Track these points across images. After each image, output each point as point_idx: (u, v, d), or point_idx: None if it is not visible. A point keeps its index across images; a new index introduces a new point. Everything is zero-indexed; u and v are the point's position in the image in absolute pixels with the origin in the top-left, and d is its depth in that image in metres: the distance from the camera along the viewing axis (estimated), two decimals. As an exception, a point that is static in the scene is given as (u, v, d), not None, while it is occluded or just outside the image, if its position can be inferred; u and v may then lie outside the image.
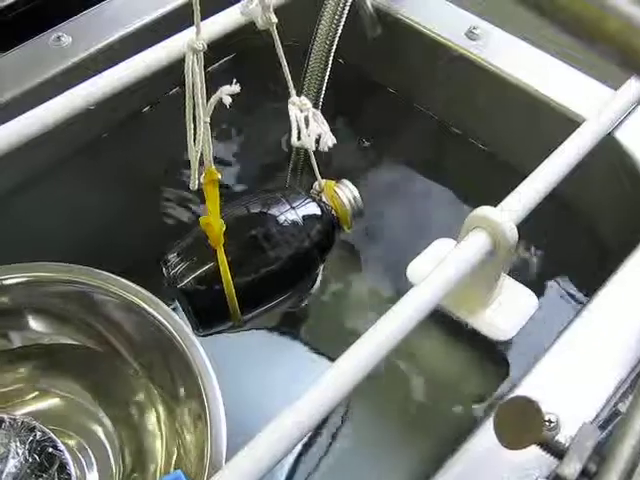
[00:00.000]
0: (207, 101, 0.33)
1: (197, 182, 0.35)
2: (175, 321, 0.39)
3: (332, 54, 0.48)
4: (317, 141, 0.39)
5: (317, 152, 0.40)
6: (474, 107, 0.54)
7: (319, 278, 0.46)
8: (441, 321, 0.44)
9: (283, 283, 0.43)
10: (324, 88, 0.49)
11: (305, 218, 0.42)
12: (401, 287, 0.47)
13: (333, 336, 0.47)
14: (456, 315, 0.44)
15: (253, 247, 0.41)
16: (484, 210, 0.38)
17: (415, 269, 0.46)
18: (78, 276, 0.40)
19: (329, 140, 0.39)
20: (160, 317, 0.39)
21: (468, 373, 0.45)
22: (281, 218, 0.41)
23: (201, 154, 0.34)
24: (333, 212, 0.44)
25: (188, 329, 0.39)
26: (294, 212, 0.42)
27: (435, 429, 0.43)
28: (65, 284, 0.40)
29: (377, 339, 0.32)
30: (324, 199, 0.44)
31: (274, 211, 0.42)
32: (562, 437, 0.27)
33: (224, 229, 0.38)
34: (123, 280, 0.40)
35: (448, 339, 0.46)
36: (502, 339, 0.43)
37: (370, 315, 0.48)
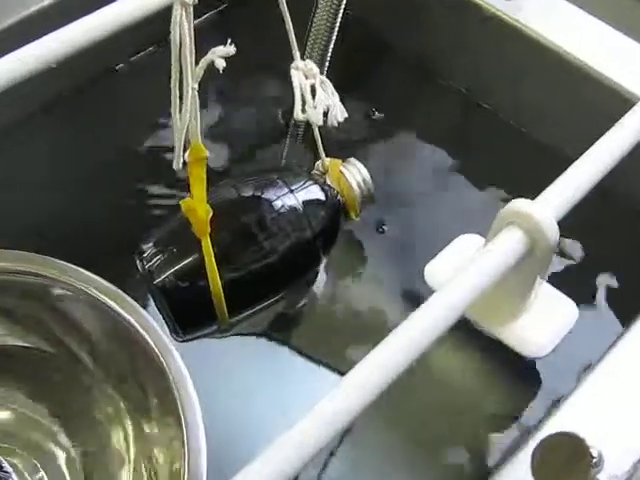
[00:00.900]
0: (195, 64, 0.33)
1: (181, 159, 0.35)
2: (148, 323, 0.39)
3: (342, 8, 0.48)
4: (324, 114, 0.38)
5: (321, 126, 0.40)
6: (506, 78, 0.54)
7: (320, 276, 0.46)
8: (462, 328, 0.42)
9: (278, 280, 0.43)
10: (331, 49, 0.48)
11: (306, 204, 0.42)
12: (417, 291, 0.48)
13: (333, 345, 0.46)
14: (482, 327, 0.44)
15: (244, 237, 0.41)
16: (519, 204, 0.37)
17: (434, 271, 0.46)
18: (31, 266, 0.39)
19: (339, 113, 0.39)
20: (131, 318, 0.39)
21: (492, 392, 0.45)
22: (277, 203, 0.41)
23: (187, 127, 0.34)
24: (339, 197, 0.44)
25: (164, 332, 0.39)
26: (293, 196, 0.42)
27: (449, 455, 0.42)
28: (15, 275, 0.39)
29: (388, 355, 0.31)
30: (328, 181, 0.45)
31: (269, 195, 0.42)
32: (605, 476, 0.27)
33: (210, 215, 0.38)
34: (86, 272, 0.40)
35: (470, 350, 0.46)
36: (535, 356, 0.43)
37: (378, 323, 0.48)
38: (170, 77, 0.33)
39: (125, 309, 0.39)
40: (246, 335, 0.46)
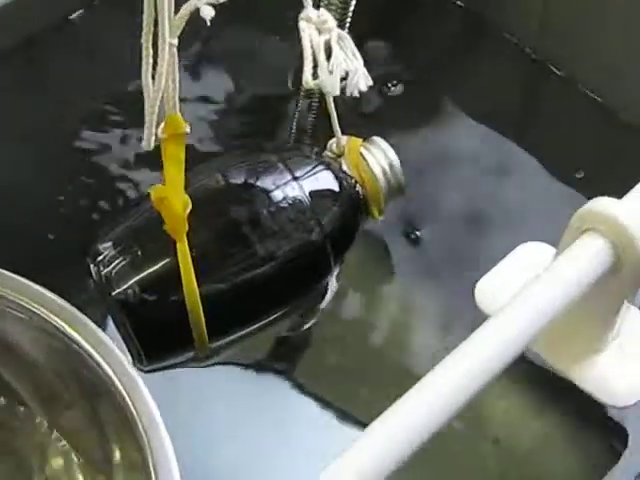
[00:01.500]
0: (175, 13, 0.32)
1: (154, 137, 0.35)
2: (107, 348, 0.38)
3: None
4: (342, 81, 0.38)
5: (337, 96, 0.40)
6: (587, 37, 0.53)
7: (330, 291, 0.46)
8: (525, 367, 0.44)
9: (276, 295, 0.43)
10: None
11: (314, 195, 0.42)
12: (463, 316, 0.47)
13: (345, 383, 0.46)
14: (551, 365, 0.44)
15: (232, 238, 0.41)
16: (601, 203, 0.37)
17: (488, 290, 0.46)
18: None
19: (362, 80, 0.38)
20: (83, 341, 0.38)
21: (564, 456, 0.44)
22: (277, 194, 0.42)
23: (161, 95, 0.34)
24: (357, 188, 0.44)
25: (127, 360, 0.38)
26: (297, 185, 0.42)
27: None
28: None
29: (422, 405, 0.31)
30: (344, 167, 0.45)
31: (267, 183, 0.42)
32: None
33: (189, 209, 0.38)
34: (25, 281, 0.39)
35: (535, 396, 0.45)
36: (620, 405, 0.43)
37: (407, 358, 0.47)
38: (141, 30, 0.32)
39: (76, 329, 0.38)
40: (232, 366, 0.46)
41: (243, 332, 0.43)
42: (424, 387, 0.32)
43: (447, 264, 0.50)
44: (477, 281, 0.46)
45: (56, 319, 0.38)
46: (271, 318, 0.43)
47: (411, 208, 0.51)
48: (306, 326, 0.48)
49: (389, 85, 0.57)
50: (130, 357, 0.40)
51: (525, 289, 0.35)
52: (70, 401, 0.40)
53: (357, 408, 0.44)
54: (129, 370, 0.37)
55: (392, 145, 0.45)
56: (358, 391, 0.45)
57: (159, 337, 0.41)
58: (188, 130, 0.35)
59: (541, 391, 0.45)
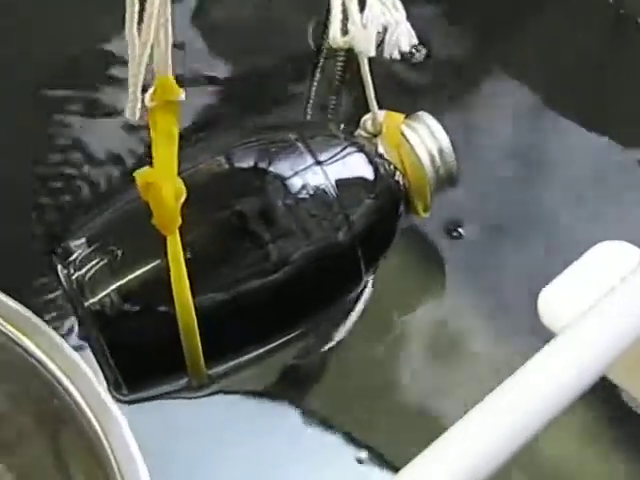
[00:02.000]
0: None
1: (139, 106, 0.35)
2: (77, 370, 0.38)
3: None
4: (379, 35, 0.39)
5: (373, 58, 0.40)
6: None
7: (361, 305, 0.46)
8: (601, 398, 0.44)
9: (292, 310, 0.43)
10: None
11: (342, 185, 0.42)
12: (521, 333, 0.47)
13: (371, 418, 0.46)
14: (633, 397, 0.44)
15: (238, 236, 0.42)
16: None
17: (554, 299, 0.44)
18: None
19: (404, 38, 0.39)
20: (48, 361, 0.38)
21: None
22: (295, 182, 0.42)
23: (149, 50, 0.34)
24: (398, 176, 0.45)
25: (102, 387, 0.38)
26: (321, 171, 0.42)
27: None
28: None
29: (467, 444, 0.31)
30: (381, 149, 0.45)
31: (282, 167, 0.42)
32: None
33: (183, 198, 0.38)
34: None
35: (611, 435, 0.46)
36: None
37: (451, 388, 0.47)
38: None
39: (40, 347, 0.38)
40: (233, 396, 0.45)
41: (248, 356, 0.43)
42: (467, 424, 0.32)
43: (499, 268, 0.50)
44: (539, 289, 0.44)
45: (17, 334, 0.38)
46: (284, 339, 0.43)
47: (455, 199, 0.50)
48: (325, 347, 0.47)
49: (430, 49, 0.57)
50: (106, 384, 0.40)
51: (601, 300, 0.34)
52: (27, 434, 0.40)
53: (380, 445, 0.44)
54: (104, 398, 0.37)
55: (442, 123, 0.45)
56: (385, 428, 0.45)
57: (143, 359, 0.41)
58: (183, 97, 0.35)
59: (618, 431, 0.46)
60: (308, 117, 0.53)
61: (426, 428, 0.42)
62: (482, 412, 0.33)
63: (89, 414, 0.37)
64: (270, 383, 0.46)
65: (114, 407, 0.37)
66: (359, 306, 0.46)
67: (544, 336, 0.37)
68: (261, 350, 0.43)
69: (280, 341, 0.43)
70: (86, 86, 0.54)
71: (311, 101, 0.53)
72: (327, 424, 0.45)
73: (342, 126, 0.46)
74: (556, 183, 0.53)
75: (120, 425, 0.36)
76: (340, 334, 0.47)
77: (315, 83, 0.53)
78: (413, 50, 0.55)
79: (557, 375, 0.33)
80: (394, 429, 0.45)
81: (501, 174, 0.53)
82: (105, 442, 0.36)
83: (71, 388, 0.37)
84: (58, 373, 0.37)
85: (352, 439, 0.45)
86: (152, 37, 0.33)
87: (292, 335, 0.44)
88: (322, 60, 0.53)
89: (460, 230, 0.51)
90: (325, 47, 0.52)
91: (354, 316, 0.46)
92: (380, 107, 0.44)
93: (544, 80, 0.56)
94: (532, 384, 0.33)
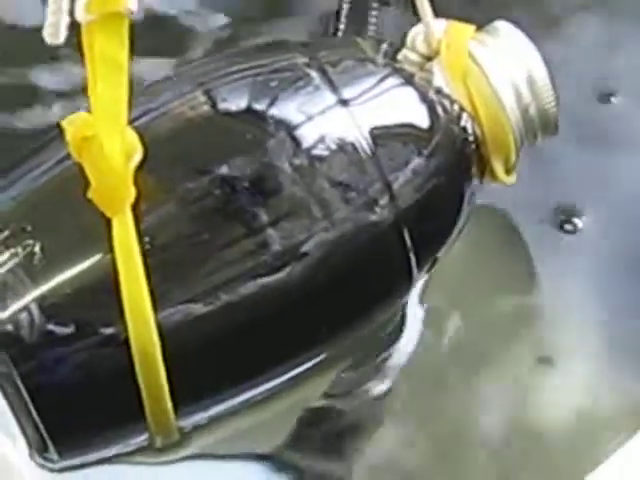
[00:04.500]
0: None
1: (66, 22, 0.34)
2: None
3: None
4: None
5: None
6: None
7: (413, 323, 0.45)
8: None
9: (303, 327, 0.42)
10: None
11: (380, 137, 0.41)
12: None
13: None
14: None
15: (222, 217, 0.40)
16: None
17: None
18: None
19: None
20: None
21: None
22: (308, 132, 0.41)
23: None
24: (465, 121, 0.44)
25: (16, 450, 0.39)
26: (347, 115, 0.41)
27: None
28: None
29: None
30: (439, 80, 0.44)
31: (289, 109, 0.41)
32: None
33: (138, 158, 0.37)
34: None
35: None
36: None
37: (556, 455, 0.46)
38: None
39: None
40: (219, 461, 0.45)
41: (241, 398, 0.41)
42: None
43: (620, 269, 0.50)
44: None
45: None
46: (297, 372, 0.42)
47: (566, 181, 0.51)
48: (362, 390, 0.46)
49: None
50: (28, 444, 0.39)
51: None
52: None
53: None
54: (18, 467, 0.39)
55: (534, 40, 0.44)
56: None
57: (80, 406, 0.39)
58: (135, 6, 0.34)
59: None
60: (339, 34, 0.53)
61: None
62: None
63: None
64: (279, 443, 0.45)
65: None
66: (411, 325, 0.45)
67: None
68: (261, 389, 0.42)
69: (290, 375, 0.42)
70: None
71: (345, 8, 0.53)
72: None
73: (385, 46, 0.45)
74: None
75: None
76: (383, 369, 0.46)
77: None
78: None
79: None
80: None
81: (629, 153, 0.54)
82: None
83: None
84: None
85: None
86: None
87: (309, 366, 0.42)
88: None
89: (575, 220, 0.51)
90: None
91: (406, 340, 0.45)
92: (438, 15, 0.43)
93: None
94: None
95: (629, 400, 0.48)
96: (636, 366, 0.48)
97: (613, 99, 0.57)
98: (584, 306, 0.50)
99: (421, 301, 0.46)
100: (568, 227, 0.51)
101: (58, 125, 0.37)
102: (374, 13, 0.54)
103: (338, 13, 0.54)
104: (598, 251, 0.52)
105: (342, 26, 0.54)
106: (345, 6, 0.54)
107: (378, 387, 0.46)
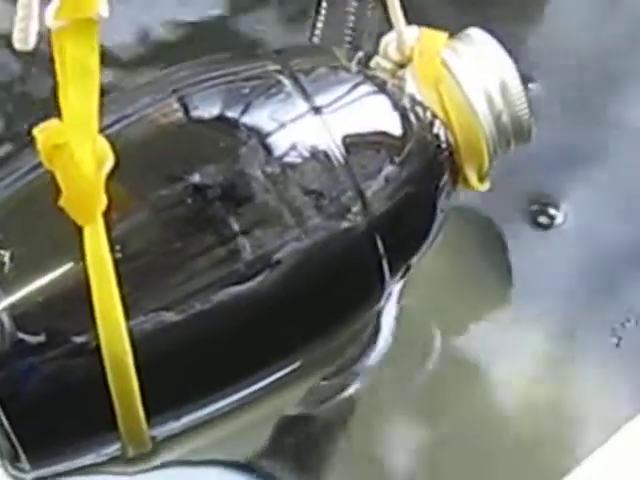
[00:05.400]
0: None
1: (35, 28, 0.35)
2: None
3: None
4: None
5: None
6: None
7: (385, 331, 0.45)
8: None
9: (278, 335, 0.42)
10: None
11: (352, 144, 0.41)
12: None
13: None
14: None
15: (193, 225, 0.40)
16: None
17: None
18: None
19: None
20: None
21: None
22: (280, 140, 0.41)
23: None
24: (438, 129, 0.44)
25: None
26: (320, 123, 0.41)
27: None
28: None
29: None
30: (412, 87, 0.44)
31: (261, 117, 0.41)
32: None
33: (108, 166, 0.37)
34: None
35: None
36: None
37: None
38: None
39: None
40: (196, 469, 0.45)
41: (216, 407, 0.42)
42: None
43: (603, 269, 0.50)
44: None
45: None
46: (271, 380, 0.42)
47: (539, 168, 0.51)
48: (334, 400, 0.46)
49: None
50: None
51: None
52: None
53: None
54: None
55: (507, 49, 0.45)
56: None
57: (50, 416, 0.39)
58: (106, 13, 0.34)
59: None
60: (315, 40, 0.54)
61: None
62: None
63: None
64: (255, 452, 0.45)
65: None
66: (385, 331, 0.45)
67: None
68: (235, 398, 0.42)
69: (264, 383, 0.42)
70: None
71: (321, 15, 0.53)
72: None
73: (360, 54, 0.45)
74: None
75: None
76: (356, 377, 0.46)
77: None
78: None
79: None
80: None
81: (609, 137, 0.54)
82: None
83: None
84: None
85: None
86: None
87: (282, 374, 0.43)
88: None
89: (552, 212, 0.50)
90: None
91: (379, 349, 0.45)
92: (410, 22, 0.43)
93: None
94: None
95: (611, 399, 0.48)
96: (617, 362, 0.48)
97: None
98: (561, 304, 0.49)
99: (397, 301, 0.46)
100: (542, 220, 0.50)
101: (29, 133, 0.37)
102: (352, 18, 0.54)
103: (315, 16, 0.54)
104: (576, 247, 0.51)
105: (318, 31, 0.54)
106: (324, 4, 0.54)
107: (351, 388, 0.46)
